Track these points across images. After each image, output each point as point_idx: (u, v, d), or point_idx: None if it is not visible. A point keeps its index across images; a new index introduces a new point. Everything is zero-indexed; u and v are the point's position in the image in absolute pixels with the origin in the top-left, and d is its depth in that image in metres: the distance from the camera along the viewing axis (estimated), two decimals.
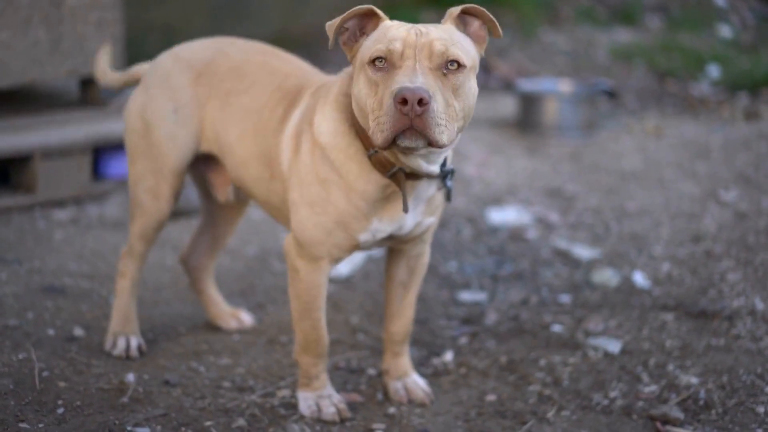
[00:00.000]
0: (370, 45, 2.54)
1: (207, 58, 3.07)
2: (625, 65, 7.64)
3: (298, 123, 2.81)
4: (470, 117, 2.58)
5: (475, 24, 2.64)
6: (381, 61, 2.49)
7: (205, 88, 3.03)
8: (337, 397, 2.95)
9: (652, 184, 4.95)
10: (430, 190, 2.75)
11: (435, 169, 2.66)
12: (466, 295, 3.81)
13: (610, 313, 3.64)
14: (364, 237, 2.75)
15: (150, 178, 3.07)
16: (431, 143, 2.44)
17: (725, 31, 8.44)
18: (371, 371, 3.22)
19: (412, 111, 2.39)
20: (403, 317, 3.03)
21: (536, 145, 5.64)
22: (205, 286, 3.44)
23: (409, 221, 2.77)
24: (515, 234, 4.38)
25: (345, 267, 3.92)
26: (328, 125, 2.71)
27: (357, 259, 4.00)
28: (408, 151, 2.53)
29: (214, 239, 3.42)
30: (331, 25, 2.61)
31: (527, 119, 5.84)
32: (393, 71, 2.48)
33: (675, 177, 5.03)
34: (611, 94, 5.96)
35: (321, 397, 2.93)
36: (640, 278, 3.90)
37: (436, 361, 3.30)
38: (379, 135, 2.45)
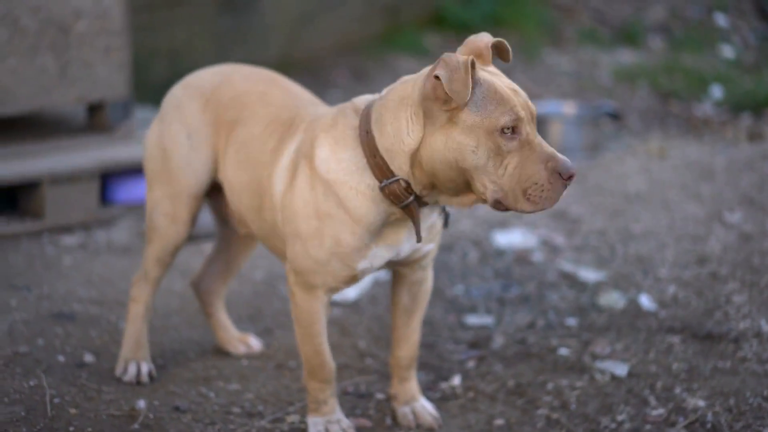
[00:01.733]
0: (494, 111, 2.50)
1: (214, 84, 3.11)
2: (629, 86, 7.68)
3: (293, 156, 2.82)
4: None
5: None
6: (509, 130, 2.51)
7: (212, 115, 3.08)
8: (346, 422, 2.96)
9: (657, 205, 4.97)
10: (432, 217, 2.78)
11: None
12: (473, 319, 3.83)
13: (617, 336, 3.66)
14: (362, 265, 2.76)
15: (168, 202, 3.12)
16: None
17: (728, 51, 8.48)
18: (379, 396, 3.23)
19: (569, 183, 2.54)
20: (408, 342, 3.05)
21: None
22: (215, 311, 3.47)
23: (405, 246, 2.79)
24: (521, 257, 4.40)
25: (352, 291, 3.95)
26: (337, 162, 2.70)
27: (364, 282, 4.02)
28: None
29: (227, 264, 3.45)
30: (457, 80, 2.46)
31: None
32: (527, 143, 2.51)
33: (679, 198, 5.05)
34: (615, 116, 5.99)
35: (330, 422, 2.94)
36: (646, 301, 3.92)
37: (443, 385, 3.31)
38: (527, 206, 2.53)
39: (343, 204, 2.69)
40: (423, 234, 2.75)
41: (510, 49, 2.64)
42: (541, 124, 5.77)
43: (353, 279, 2.81)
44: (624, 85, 7.72)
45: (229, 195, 3.07)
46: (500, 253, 4.45)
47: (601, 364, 3.42)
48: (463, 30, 8.36)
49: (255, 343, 3.51)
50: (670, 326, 3.71)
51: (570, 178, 2.51)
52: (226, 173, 3.04)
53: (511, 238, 4.58)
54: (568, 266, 4.27)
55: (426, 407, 3.08)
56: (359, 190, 2.68)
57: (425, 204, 2.68)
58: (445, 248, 4.41)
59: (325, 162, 2.71)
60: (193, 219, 3.16)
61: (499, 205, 2.55)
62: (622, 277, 4.16)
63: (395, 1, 8.12)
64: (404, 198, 2.63)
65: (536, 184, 2.50)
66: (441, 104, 2.52)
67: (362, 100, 2.78)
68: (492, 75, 2.56)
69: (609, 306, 3.90)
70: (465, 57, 2.47)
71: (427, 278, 3.00)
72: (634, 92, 7.54)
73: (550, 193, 2.52)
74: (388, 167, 2.62)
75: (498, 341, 3.63)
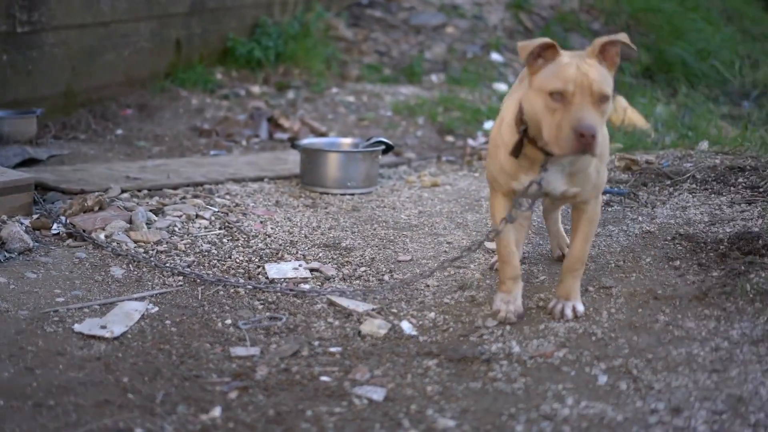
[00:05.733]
0: (549, 77, 3.50)
1: None
2: (409, 120, 7.92)
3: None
4: None
5: (612, 51, 3.59)
6: (558, 95, 3.45)
7: None
8: (517, 304, 4.03)
9: (425, 235, 5.15)
10: (564, 168, 3.78)
11: None
12: (239, 350, 3.87)
13: (378, 362, 3.77)
14: (515, 185, 3.86)
15: None
16: (592, 155, 3.51)
17: (502, 88, 8.85)
18: (139, 431, 3.23)
19: (585, 140, 3.39)
20: (571, 252, 4.04)
21: (317, 200, 5.79)
22: None
23: (553, 185, 3.82)
24: (292, 288, 4.48)
25: (118, 326, 3.93)
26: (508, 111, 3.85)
27: (132, 318, 4.02)
28: None
29: None
30: (524, 47, 3.55)
31: (310, 174, 5.98)
32: (568, 105, 3.43)
33: (446, 228, 5.25)
34: (391, 149, 6.17)
35: (506, 300, 4.05)
36: (407, 327, 4.06)
37: (203, 417, 3.34)
38: (556, 148, 3.47)
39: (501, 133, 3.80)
40: (562, 180, 3.76)
41: (629, 43, 3.61)
42: (320, 157, 5.91)
43: (513, 193, 3.88)
44: (404, 119, 7.96)
45: None
46: (272, 284, 4.51)
47: (359, 390, 3.52)
48: (251, 66, 8.44)
49: None
50: (429, 350, 3.85)
51: (585, 134, 3.37)
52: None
53: (284, 269, 4.66)
54: (336, 296, 4.37)
55: (570, 307, 3.98)
56: (508, 122, 3.77)
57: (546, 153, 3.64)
58: (217, 282, 4.44)
59: (504, 105, 3.92)
60: None
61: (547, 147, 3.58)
62: (388, 305, 4.30)
63: (183, 36, 8.12)
64: (519, 125, 3.68)
65: (563, 137, 3.43)
66: (529, 67, 3.57)
67: None
68: (575, 58, 3.53)
69: (372, 333, 4.02)
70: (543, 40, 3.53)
71: (587, 210, 3.90)
72: (414, 126, 7.78)
73: (569, 144, 3.41)
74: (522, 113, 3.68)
75: (262, 371, 3.69)
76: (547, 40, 3.53)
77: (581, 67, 3.48)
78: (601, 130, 3.47)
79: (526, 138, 3.70)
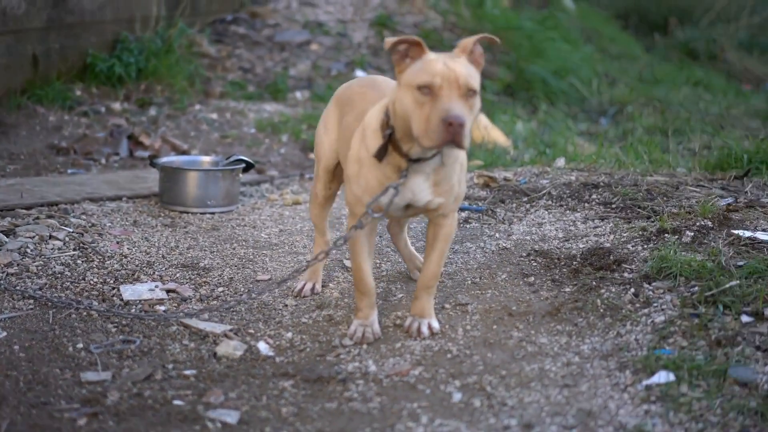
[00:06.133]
0: (417, 72, 3.56)
1: (342, 89, 4.39)
2: (272, 138, 7.88)
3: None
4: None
5: (477, 52, 3.70)
6: (426, 89, 3.51)
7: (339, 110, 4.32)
8: (375, 327, 4.10)
9: (285, 254, 5.13)
10: (427, 178, 3.81)
11: None
12: (90, 375, 3.77)
13: (233, 384, 3.73)
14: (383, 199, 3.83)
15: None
16: (461, 148, 3.52)
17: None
18: None
19: (453, 130, 3.44)
20: (426, 269, 4.08)
21: (177, 219, 5.70)
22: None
23: (419, 196, 3.85)
24: (146, 310, 4.39)
25: None
26: (372, 120, 3.86)
27: None
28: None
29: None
30: (388, 42, 3.61)
31: (169, 193, 5.89)
32: (436, 98, 3.50)
33: (306, 246, 5.23)
34: (251, 167, 6.13)
35: (364, 324, 4.08)
36: (264, 347, 4.02)
37: None
38: (426, 141, 3.51)
39: (367, 144, 3.82)
40: (427, 190, 3.81)
41: (492, 37, 3.79)
42: (179, 175, 5.83)
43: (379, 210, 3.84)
44: (268, 136, 7.92)
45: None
46: (126, 306, 4.42)
47: (213, 413, 3.47)
48: (112, 82, 8.28)
49: None
50: (285, 371, 3.82)
51: (451, 122, 3.43)
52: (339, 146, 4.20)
53: (139, 290, 4.57)
54: (192, 317, 4.30)
55: (426, 324, 4.03)
56: (373, 129, 3.80)
57: (408, 158, 3.72)
58: (68, 306, 4.32)
59: (367, 118, 3.86)
60: None
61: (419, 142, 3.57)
62: (245, 325, 4.25)
63: (41, 52, 7.91)
64: (386, 128, 3.72)
65: (431, 129, 3.48)
66: (396, 66, 3.65)
67: None
68: (442, 56, 3.60)
69: (227, 355, 3.97)
70: (409, 37, 3.62)
71: (445, 226, 3.96)
72: (277, 143, 7.75)
73: (437, 134, 3.47)
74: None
75: (113, 396, 3.60)
76: (414, 37, 3.61)
77: (448, 63, 3.56)
78: (469, 122, 3.52)
79: (391, 143, 3.73)
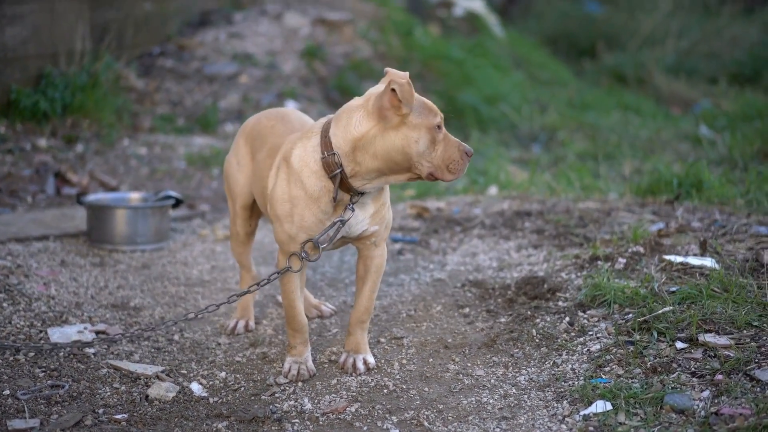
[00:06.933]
0: (428, 113, 3.66)
1: (251, 124, 4.36)
2: (203, 172, 7.80)
3: (277, 164, 3.96)
4: None
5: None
6: (437, 128, 3.66)
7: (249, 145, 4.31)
8: (309, 365, 4.01)
9: (217, 290, 5.05)
10: (368, 208, 3.85)
11: None
12: (17, 423, 3.66)
13: (166, 427, 3.64)
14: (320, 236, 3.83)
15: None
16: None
17: None
18: None
19: (468, 159, 3.73)
20: (358, 305, 4.01)
21: (106, 258, 5.59)
22: None
23: (354, 227, 3.85)
24: (76, 352, 4.28)
25: None
26: (304, 157, 3.79)
27: None
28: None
29: None
30: (400, 82, 3.59)
31: (97, 231, 5.78)
32: (446, 135, 3.69)
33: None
34: (180, 202, 6.04)
35: (298, 362, 4.01)
36: (197, 388, 3.94)
37: None
38: (449, 176, 3.70)
39: (303, 183, 3.75)
40: (366, 220, 3.83)
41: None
42: (107, 213, 5.72)
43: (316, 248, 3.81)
44: (198, 170, 7.83)
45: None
46: (53, 349, 4.30)
47: None
48: (37, 118, 8.13)
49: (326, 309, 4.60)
50: (219, 412, 3.74)
51: (470, 155, 3.72)
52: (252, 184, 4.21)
53: (68, 332, 4.45)
54: (122, 359, 4.21)
55: (361, 360, 3.98)
56: (313, 170, 3.74)
57: (356, 192, 3.72)
58: None
59: (297, 158, 3.78)
60: None
61: (431, 176, 3.71)
62: (178, 366, 4.16)
63: None
64: (334, 168, 3.68)
65: (455, 161, 3.68)
66: (395, 111, 3.61)
67: (324, 118, 3.86)
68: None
69: (160, 397, 3.88)
70: (405, 75, 3.65)
71: (375, 257, 3.96)
72: (208, 178, 7.67)
73: (462, 165, 3.71)
74: (331, 146, 3.69)
75: None
76: (407, 75, 3.68)
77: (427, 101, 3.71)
78: None
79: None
